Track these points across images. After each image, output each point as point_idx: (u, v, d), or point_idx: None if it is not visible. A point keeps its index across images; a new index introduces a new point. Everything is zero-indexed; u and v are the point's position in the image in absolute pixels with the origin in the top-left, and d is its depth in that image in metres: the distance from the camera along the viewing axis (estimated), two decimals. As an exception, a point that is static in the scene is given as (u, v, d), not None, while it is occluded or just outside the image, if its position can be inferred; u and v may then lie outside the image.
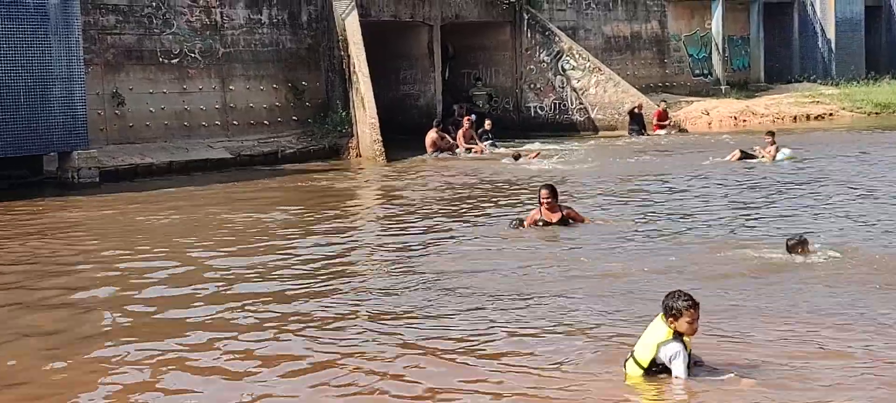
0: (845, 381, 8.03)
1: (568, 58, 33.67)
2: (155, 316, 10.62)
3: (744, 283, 11.37)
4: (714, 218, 16.10)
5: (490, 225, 15.56)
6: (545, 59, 33.88)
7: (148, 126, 25.30)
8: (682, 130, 33.48)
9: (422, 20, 31.62)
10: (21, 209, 18.74)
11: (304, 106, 28.50)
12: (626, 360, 8.19)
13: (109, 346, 9.49)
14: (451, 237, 14.88)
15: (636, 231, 14.92)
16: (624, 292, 11.02)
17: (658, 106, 33.71)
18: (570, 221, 15.00)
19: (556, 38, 33.86)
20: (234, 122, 27.06)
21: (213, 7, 26.53)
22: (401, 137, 28.56)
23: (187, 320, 10.38)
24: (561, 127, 33.35)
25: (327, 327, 9.91)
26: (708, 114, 36.17)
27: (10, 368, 8.96)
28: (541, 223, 14.85)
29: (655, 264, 12.46)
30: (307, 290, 11.52)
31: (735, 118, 36.23)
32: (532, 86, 34.19)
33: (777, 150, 23.82)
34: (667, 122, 33.12)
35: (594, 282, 11.56)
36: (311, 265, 13.02)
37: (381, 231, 16.20)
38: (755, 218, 16.05)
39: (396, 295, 11.15)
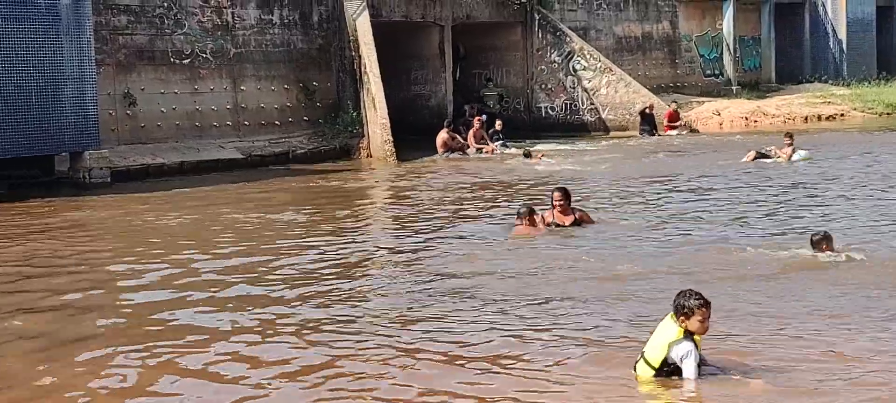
0: (857, 384, 8.01)
1: (579, 58, 33.64)
2: (153, 317, 10.55)
3: (756, 284, 11.35)
4: (728, 219, 16.07)
5: (501, 226, 15.51)
6: (556, 59, 33.85)
7: (159, 126, 25.34)
8: (693, 131, 33.42)
9: (433, 20, 31.62)
10: (28, 209, 18.74)
11: (315, 106, 28.52)
12: (637, 362, 8.19)
13: (102, 348, 9.44)
14: (462, 238, 14.85)
15: (648, 232, 14.90)
16: (633, 294, 10.99)
17: (669, 106, 33.66)
18: (583, 224, 14.98)
19: (568, 39, 33.84)
20: (246, 123, 27.08)
21: (225, 7, 26.57)
22: (412, 138, 28.54)
23: (191, 323, 10.29)
24: (572, 127, 33.31)
25: (327, 329, 9.83)
26: (719, 114, 36.10)
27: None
28: (553, 225, 14.82)
29: (667, 265, 12.44)
30: (312, 292, 11.47)
31: (746, 118, 36.14)
32: (543, 86, 34.17)
33: (793, 151, 23.82)
34: (678, 123, 33.06)
35: (604, 284, 11.52)
36: (319, 266, 13.01)
37: (392, 231, 16.21)
38: (769, 219, 16.03)
39: (404, 297, 11.09)
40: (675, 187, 20.16)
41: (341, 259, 13.49)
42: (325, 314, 10.40)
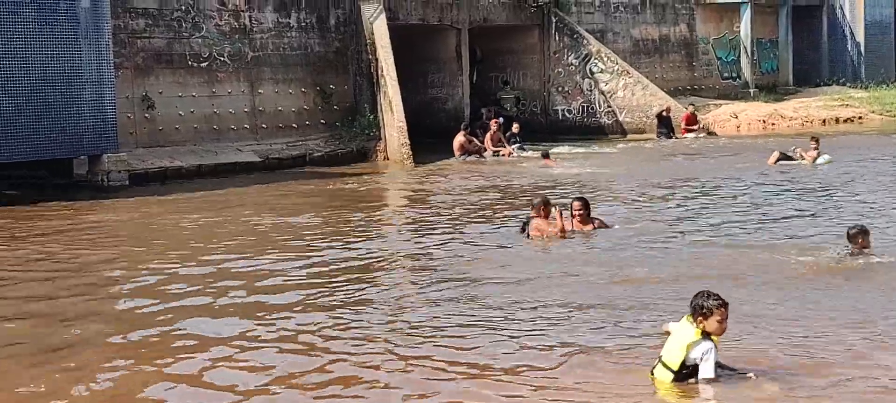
0: (879, 391, 7.97)
1: (596, 61, 33.62)
2: (159, 321, 10.53)
3: (780, 286, 11.33)
4: (753, 221, 16.07)
5: (516, 230, 15.41)
6: (573, 62, 33.84)
7: (177, 129, 25.40)
8: (710, 133, 33.34)
9: (450, 24, 31.65)
10: (40, 212, 18.78)
11: (332, 109, 28.56)
12: (654, 366, 8.18)
13: (100, 353, 9.43)
14: (479, 242, 14.84)
15: (668, 236, 14.86)
16: (651, 298, 10.95)
17: (686, 109, 33.63)
18: None
19: (585, 42, 33.82)
20: (263, 126, 27.13)
21: (242, 11, 26.63)
22: (428, 141, 28.55)
23: (197, 328, 10.22)
24: (589, 130, 33.29)
25: (339, 336, 9.73)
26: (736, 117, 36.02)
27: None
28: (572, 234, 14.81)
29: (686, 269, 12.43)
30: (326, 298, 11.38)
31: (763, 121, 36.04)
32: (560, 89, 34.15)
33: (818, 155, 23.83)
34: (695, 126, 33.00)
35: (622, 289, 11.49)
36: (334, 270, 12.97)
37: (408, 235, 16.19)
38: (795, 221, 16.00)
39: (418, 303, 11.03)
40: (697, 190, 20.10)
41: (357, 262, 13.49)
42: (336, 320, 10.30)
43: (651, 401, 7.96)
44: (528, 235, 14.67)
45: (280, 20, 27.45)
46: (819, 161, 23.72)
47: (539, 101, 34.55)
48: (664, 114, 32.49)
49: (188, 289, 11.96)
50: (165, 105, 25.15)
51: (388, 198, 21.96)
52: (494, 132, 29.12)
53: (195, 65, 25.77)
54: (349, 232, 15.99)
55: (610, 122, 33.58)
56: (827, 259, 12.52)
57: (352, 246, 14.67)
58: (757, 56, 43.69)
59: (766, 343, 9.11)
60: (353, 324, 10.14)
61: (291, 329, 10.03)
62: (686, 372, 7.95)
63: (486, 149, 28.49)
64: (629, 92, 33.47)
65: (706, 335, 7.89)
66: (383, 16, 28.19)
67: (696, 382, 7.92)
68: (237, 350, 9.35)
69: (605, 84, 33.54)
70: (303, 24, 27.97)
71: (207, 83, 26.00)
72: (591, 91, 33.70)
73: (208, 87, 26.02)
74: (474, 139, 28.72)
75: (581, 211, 15.01)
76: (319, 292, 11.67)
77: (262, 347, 9.45)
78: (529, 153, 28.16)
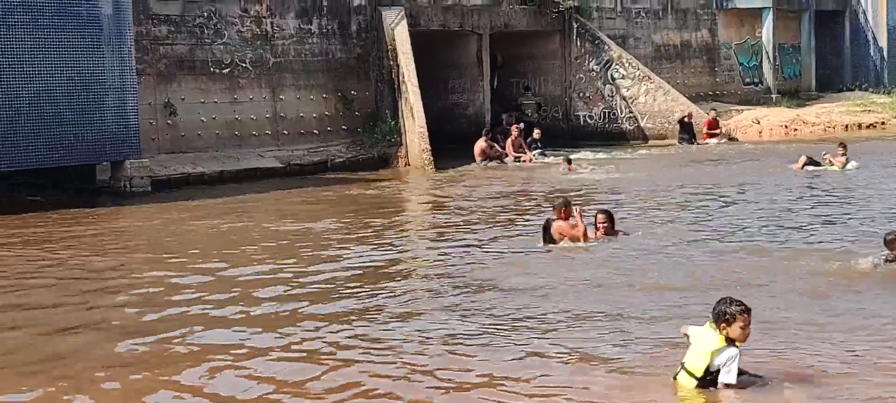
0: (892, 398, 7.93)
1: (617, 66, 33.56)
2: (172, 332, 10.47)
3: (808, 292, 11.29)
4: (786, 226, 16.02)
5: (537, 234, 15.36)
6: (594, 67, 33.79)
7: (199, 135, 25.49)
8: (732, 139, 33.25)
9: (471, 29, 31.65)
10: (68, 218, 18.85)
11: (353, 115, 28.60)
12: (677, 373, 8.16)
13: (95, 363, 9.38)
14: (498, 249, 14.76)
15: (692, 243, 14.81)
16: (674, 305, 10.92)
17: (708, 114, 33.53)
18: None
19: (606, 47, 33.78)
20: (285, 132, 27.19)
21: (264, 17, 26.71)
22: (449, 146, 28.57)
23: (214, 338, 10.15)
24: (610, 136, 33.23)
25: (355, 345, 9.66)
26: (758, 122, 35.86)
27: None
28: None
29: (709, 276, 12.39)
30: (344, 305, 11.30)
31: (786, 127, 35.87)
32: (581, 94, 34.11)
33: (847, 161, 23.77)
34: (717, 131, 32.91)
35: (646, 296, 11.46)
36: (354, 277, 12.96)
37: (429, 241, 16.20)
38: (827, 227, 15.93)
39: (439, 312, 10.92)
40: (722, 196, 20.04)
41: (378, 269, 13.49)
42: (354, 329, 10.20)
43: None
44: (550, 240, 14.63)
45: (302, 27, 27.52)
46: (848, 167, 23.67)
47: (560, 107, 34.51)
48: (686, 119, 32.40)
49: (194, 296, 11.93)
50: (187, 111, 25.23)
51: (409, 204, 21.97)
52: (515, 138, 29.10)
53: (217, 71, 25.86)
54: (370, 238, 15.99)
55: (631, 128, 33.51)
56: (864, 264, 12.43)
57: (372, 252, 14.68)
58: (779, 61, 43.54)
59: (795, 349, 9.08)
60: (367, 332, 10.08)
61: (301, 336, 9.97)
62: (710, 379, 7.94)
63: (507, 155, 28.48)
64: (651, 97, 33.40)
65: (730, 341, 7.88)
66: (404, 22, 28.23)
67: (718, 388, 7.90)
68: (240, 358, 9.29)
69: (627, 89, 33.49)
70: (324, 30, 28.03)
71: (229, 89, 26.09)
72: (612, 96, 33.65)
73: (230, 94, 26.10)
74: (495, 145, 28.71)
75: (605, 224, 15.00)
76: (335, 299, 11.64)
77: (269, 354, 9.42)
78: (550, 159, 28.11)
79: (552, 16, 33.69)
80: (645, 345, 9.36)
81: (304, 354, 9.43)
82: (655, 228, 16.16)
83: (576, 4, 33.93)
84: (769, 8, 42.12)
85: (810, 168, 23.60)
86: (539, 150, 29.18)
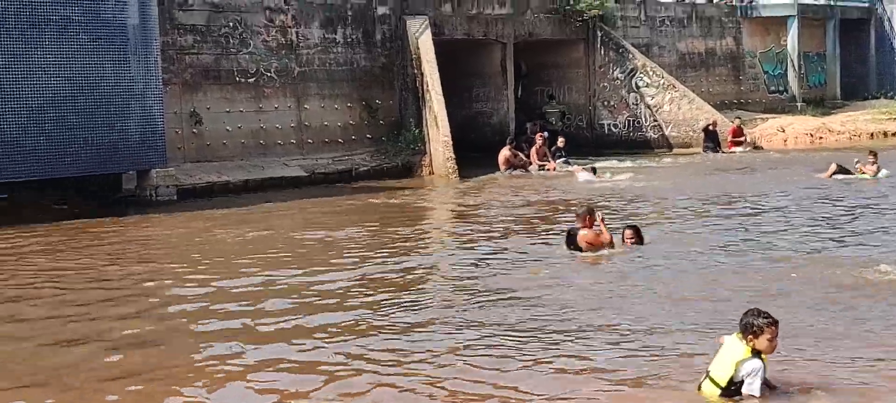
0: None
1: (642, 75, 33.52)
2: (173, 333, 10.58)
3: (835, 303, 11.24)
4: (809, 236, 15.96)
5: (561, 242, 15.30)
6: (619, 76, 33.76)
7: (225, 144, 25.58)
8: (757, 147, 33.17)
9: (495, 38, 31.68)
10: (93, 227, 18.92)
11: (377, 124, 28.66)
12: (701, 382, 8.15)
13: (96, 374, 9.36)
14: (522, 259, 14.72)
15: (718, 251, 14.77)
16: (699, 316, 10.87)
17: (733, 123, 33.45)
18: None
19: (630, 55, 33.74)
20: (309, 141, 27.26)
21: (289, 27, 26.80)
22: (473, 155, 28.58)
23: (211, 347, 10.16)
24: (635, 144, 33.18)
25: (361, 354, 9.63)
26: (783, 131, 35.77)
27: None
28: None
29: (736, 285, 12.33)
30: (366, 316, 11.25)
31: (811, 135, 35.77)
32: (606, 103, 34.08)
33: (878, 170, 23.66)
34: (742, 139, 32.83)
35: (672, 306, 11.43)
36: (377, 285, 12.95)
37: (453, 250, 16.18)
38: (856, 236, 15.84)
39: (462, 323, 10.85)
40: (750, 205, 19.97)
41: (402, 278, 13.49)
42: (374, 341, 10.12)
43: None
44: (575, 247, 14.61)
45: (326, 36, 27.59)
46: (880, 174, 23.56)
47: (585, 116, 34.48)
48: (710, 128, 32.33)
49: (200, 306, 11.95)
50: (213, 120, 25.33)
51: (434, 213, 21.99)
52: (540, 146, 29.09)
53: (242, 80, 25.95)
54: (394, 247, 16.02)
55: (656, 136, 33.44)
56: (889, 275, 12.38)
57: (395, 261, 14.68)
58: (804, 69, 43.41)
59: (823, 362, 9.05)
60: (386, 343, 10.01)
61: (318, 347, 9.97)
62: (734, 389, 7.93)
63: (531, 164, 28.47)
64: (675, 106, 33.34)
65: (756, 353, 7.87)
66: (429, 31, 28.28)
67: (742, 399, 7.89)
68: (253, 368, 9.29)
69: (651, 98, 33.44)
70: (349, 39, 28.10)
71: (254, 98, 26.18)
72: (636, 105, 33.60)
73: (255, 103, 26.19)
74: (520, 153, 28.71)
75: (632, 239, 15.03)
76: (355, 309, 11.61)
77: (280, 361, 9.43)
78: (574, 167, 28.06)
79: (576, 25, 33.68)
80: (670, 355, 9.33)
81: (315, 363, 9.42)
82: (681, 237, 16.13)
83: (600, 13, 33.89)
84: (794, 16, 42.00)
85: (840, 176, 23.43)
86: (563, 159, 29.15)
